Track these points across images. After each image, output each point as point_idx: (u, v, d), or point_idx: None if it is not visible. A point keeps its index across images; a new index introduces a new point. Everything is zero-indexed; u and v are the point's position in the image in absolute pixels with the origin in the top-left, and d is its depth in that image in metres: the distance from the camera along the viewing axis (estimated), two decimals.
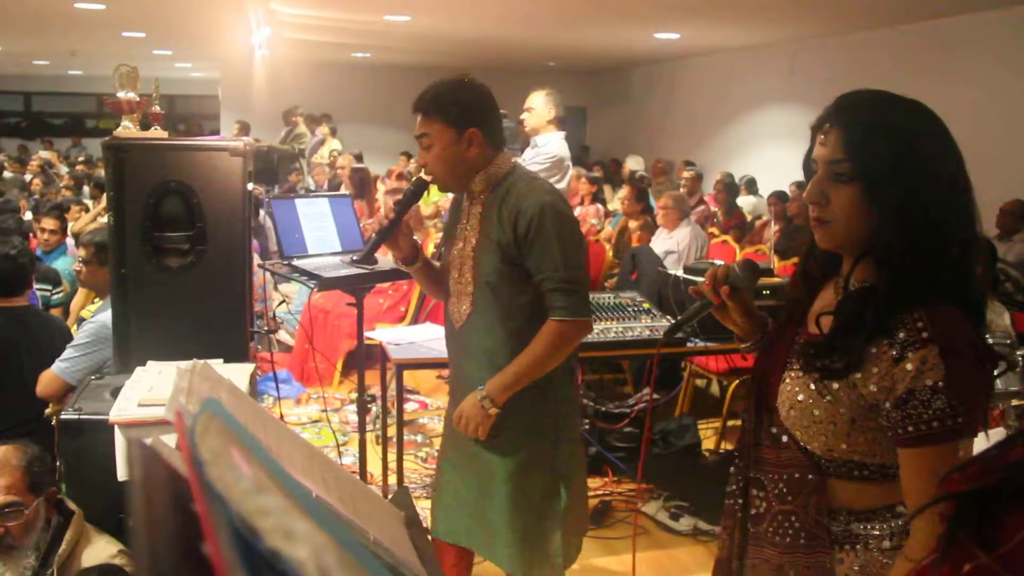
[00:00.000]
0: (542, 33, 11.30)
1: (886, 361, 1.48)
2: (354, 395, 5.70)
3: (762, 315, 1.95)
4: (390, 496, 3.62)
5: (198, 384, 1.25)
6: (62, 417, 2.79)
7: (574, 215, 2.77)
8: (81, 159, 15.46)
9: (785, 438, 1.64)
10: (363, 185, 8.12)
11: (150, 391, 2.74)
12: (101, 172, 13.08)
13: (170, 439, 2.29)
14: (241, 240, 3.39)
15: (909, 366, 1.45)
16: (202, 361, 1.28)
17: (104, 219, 6.44)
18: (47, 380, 3.80)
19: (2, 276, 4.00)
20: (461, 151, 2.61)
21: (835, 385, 1.54)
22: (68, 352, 3.81)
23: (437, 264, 2.94)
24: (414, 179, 2.85)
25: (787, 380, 1.63)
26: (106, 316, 3.84)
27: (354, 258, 3.15)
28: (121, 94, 3.55)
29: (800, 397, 1.59)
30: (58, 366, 3.80)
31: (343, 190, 9.21)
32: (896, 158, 1.49)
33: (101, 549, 2.55)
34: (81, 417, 2.74)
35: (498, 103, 2.71)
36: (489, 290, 2.62)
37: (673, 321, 4.05)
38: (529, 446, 2.70)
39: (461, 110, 2.60)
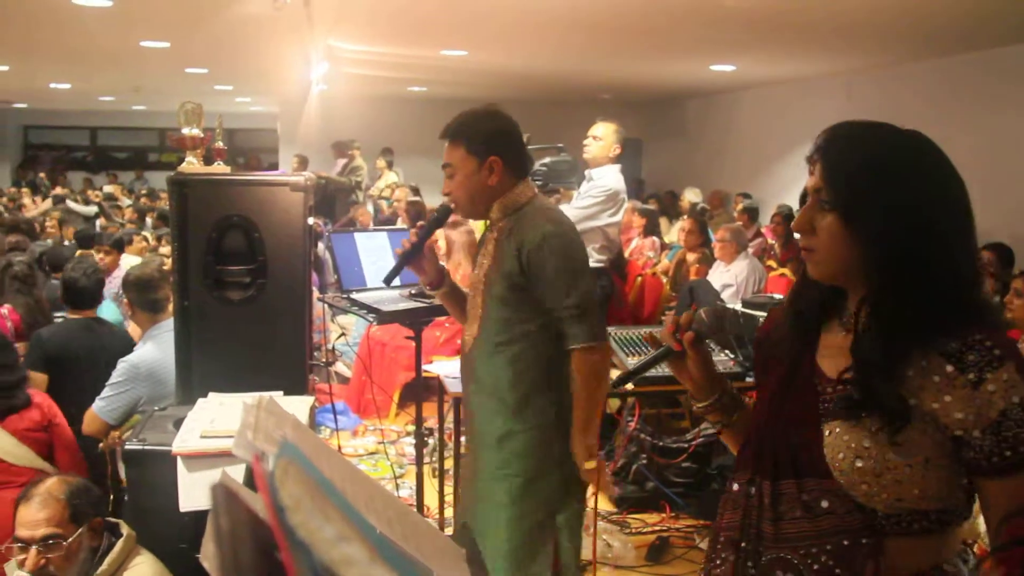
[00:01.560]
0: (596, 66, 11.33)
1: (962, 387, 1.40)
2: (410, 427, 5.72)
3: (721, 374, 1.80)
4: (447, 530, 3.62)
5: (264, 420, 1.26)
6: (126, 447, 2.84)
7: (577, 237, 2.77)
8: (144, 192, 15.80)
9: (826, 503, 1.48)
10: (419, 218, 8.18)
11: (212, 423, 2.77)
12: (164, 204, 13.37)
13: (233, 471, 2.30)
14: (301, 273, 3.43)
15: (991, 387, 1.38)
16: (267, 396, 1.29)
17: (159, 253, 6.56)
18: (89, 418, 3.93)
19: (82, 290, 4.38)
20: (482, 179, 2.67)
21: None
22: (105, 391, 3.93)
23: (466, 291, 2.97)
24: (439, 205, 2.91)
25: (831, 434, 1.48)
26: (138, 356, 3.98)
27: (382, 280, 3.18)
28: (185, 130, 3.62)
29: (866, 444, 1.44)
30: (97, 404, 3.93)
31: (399, 223, 9.30)
32: (872, 187, 1.46)
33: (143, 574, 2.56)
34: (145, 448, 2.78)
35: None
36: (495, 315, 2.67)
37: (733, 357, 4.03)
38: (530, 487, 2.70)
39: (484, 139, 2.68)
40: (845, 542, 1.46)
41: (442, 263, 2.98)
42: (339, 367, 6.62)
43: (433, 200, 11.52)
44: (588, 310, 2.61)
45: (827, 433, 1.49)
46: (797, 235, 1.57)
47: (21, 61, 11.81)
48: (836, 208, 1.49)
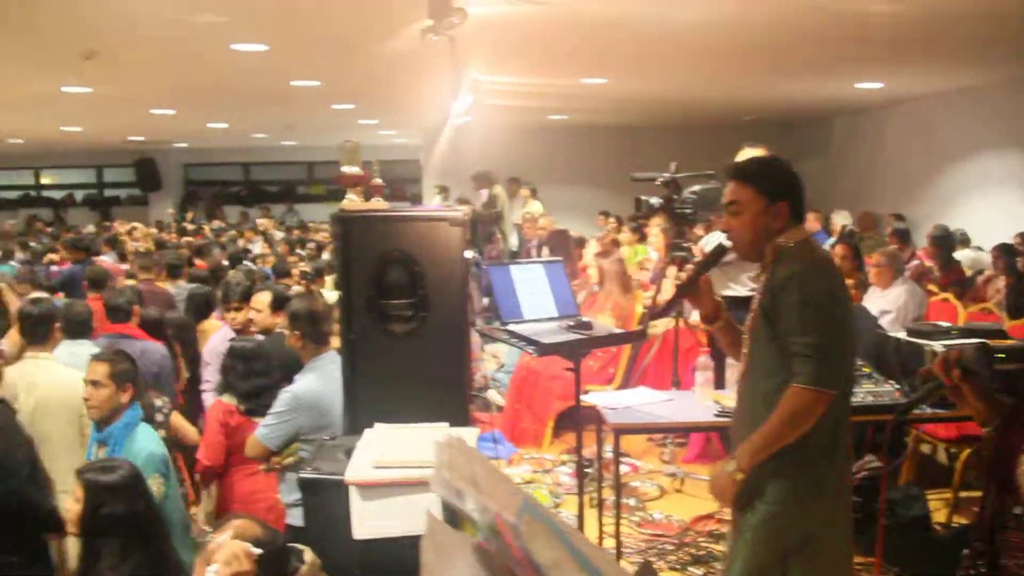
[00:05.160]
0: (737, 88, 11.18)
1: None
2: (565, 456, 5.73)
3: (1003, 400, 1.84)
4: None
5: (455, 458, 1.28)
6: (301, 475, 2.94)
7: (833, 283, 2.80)
8: (295, 224, 16.38)
9: None
10: (564, 247, 8.20)
11: (382, 453, 2.84)
12: (315, 236, 13.84)
13: (409, 500, 2.33)
14: (460, 306, 3.49)
15: None
16: (456, 435, 1.31)
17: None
18: (252, 443, 4.14)
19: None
20: (767, 221, 2.75)
21: None
22: (268, 419, 4.11)
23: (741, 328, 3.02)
24: (717, 243, 3.06)
25: None
26: (299, 386, 4.11)
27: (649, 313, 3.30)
28: (346, 168, 3.75)
29: None
30: (260, 431, 4.11)
31: (544, 251, 9.35)
32: None
33: None
34: (319, 477, 2.88)
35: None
36: (759, 353, 2.76)
37: (898, 387, 3.89)
38: (778, 517, 2.71)
39: (775, 183, 2.78)
40: None
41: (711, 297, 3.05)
42: (492, 395, 6.69)
43: (574, 228, 11.55)
44: (825, 355, 2.62)
45: None
46: None
47: (185, 105, 12.51)
48: None
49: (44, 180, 24.62)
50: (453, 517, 1.42)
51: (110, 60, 8.04)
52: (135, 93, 11.13)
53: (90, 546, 2.98)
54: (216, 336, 5.62)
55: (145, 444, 3.69)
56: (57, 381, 4.34)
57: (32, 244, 12.66)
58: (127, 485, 3.04)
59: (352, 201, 3.69)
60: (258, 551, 2.49)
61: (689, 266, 3.00)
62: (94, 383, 3.77)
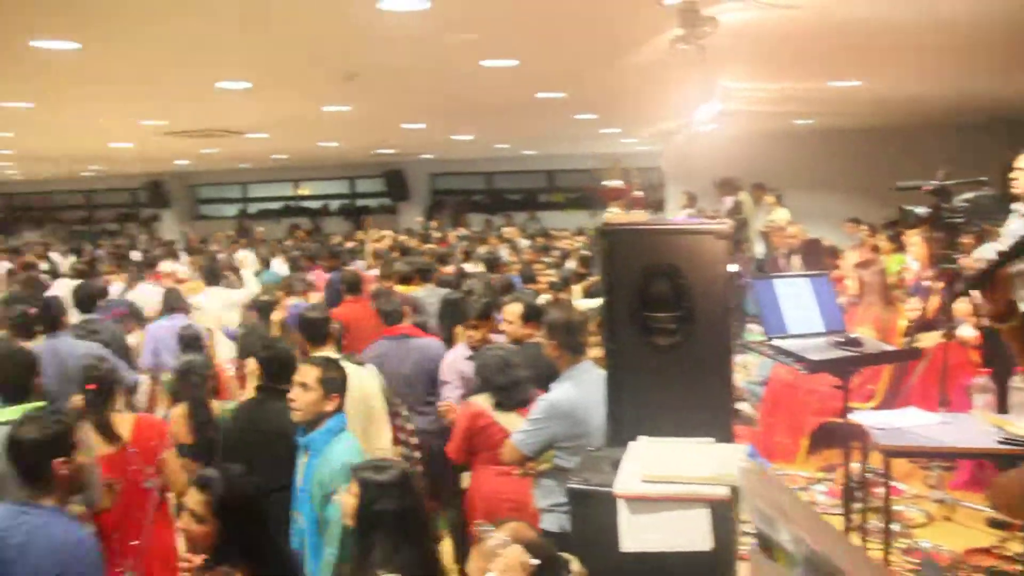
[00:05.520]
0: (1009, 85, 10.41)
1: None
2: (820, 474, 5.54)
3: None
4: None
5: (762, 488, 1.28)
6: (569, 485, 3.01)
7: None
8: (536, 231, 16.70)
9: None
10: (816, 257, 7.93)
11: (651, 467, 2.86)
12: (559, 244, 14.05)
13: (678, 516, 2.34)
14: (724, 319, 3.46)
15: None
16: (759, 465, 1.31)
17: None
18: (508, 448, 4.28)
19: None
20: None
21: None
22: (525, 425, 4.22)
23: None
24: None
25: None
26: (556, 395, 4.20)
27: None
28: (608, 182, 3.81)
29: None
30: (516, 437, 4.22)
31: (793, 261, 9.09)
32: None
33: None
34: (587, 487, 2.94)
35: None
36: None
37: None
38: None
39: None
40: None
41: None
42: (743, 407, 6.56)
43: (821, 236, 11.13)
44: None
45: None
46: None
47: (434, 119, 13.09)
48: None
49: (302, 191, 26.48)
50: (762, 543, 1.43)
51: (368, 81, 8.56)
52: (389, 110, 11.78)
53: (364, 539, 3.19)
54: (452, 353, 5.59)
55: (342, 455, 3.72)
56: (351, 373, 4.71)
57: (292, 252, 13.60)
58: (398, 484, 3.22)
59: (614, 214, 3.74)
60: (536, 562, 2.58)
61: (987, 255, 2.77)
62: (303, 385, 3.87)
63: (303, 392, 3.86)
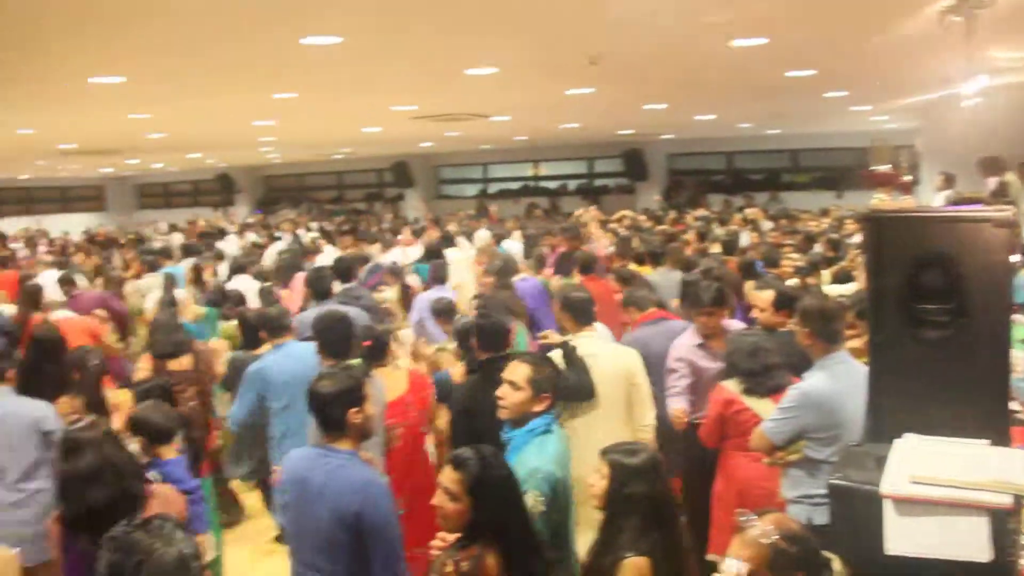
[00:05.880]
0: None
1: None
2: None
3: None
4: None
5: None
6: (832, 481, 2.91)
7: None
8: (778, 212, 16.14)
9: None
10: None
11: (920, 468, 2.73)
12: (802, 225, 13.53)
13: (950, 521, 2.21)
14: (1003, 313, 3.23)
15: None
16: None
17: None
18: (756, 435, 4.27)
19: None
20: None
21: None
22: (775, 414, 4.16)
23: None
24: None
25: None
26: (809, 384, 4.15)
27: None
28: (876, 167, 3.64)
29: None
30: (765, 424, 4.19)
31: None
32: None
33: None
34: (851, 484, 2.84)
35: None
36: None
37: None
38: None
39: None
40: None
41: None
42: (1013, 406, 6.09)
43: None
44: None
45: None
46: None
47: (677, 99, 12.97)
48: None
49: (541, 171, 26.93)
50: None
51: (613, 64, 8.57)
52: (632, 92, 11.77)
53: (613, 521, 3.23)
54: (678, 341, 5.33)
55: (532, 458, 3.64)
56: (614, 351, 5.07)
57: (529, 230, 13.99)
58: (648, 468, 3.24)
59: (881, 200, 3.59)
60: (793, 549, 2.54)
61: None
62: (512, 383, 3.81)
63: (512, 391, 3.80)
